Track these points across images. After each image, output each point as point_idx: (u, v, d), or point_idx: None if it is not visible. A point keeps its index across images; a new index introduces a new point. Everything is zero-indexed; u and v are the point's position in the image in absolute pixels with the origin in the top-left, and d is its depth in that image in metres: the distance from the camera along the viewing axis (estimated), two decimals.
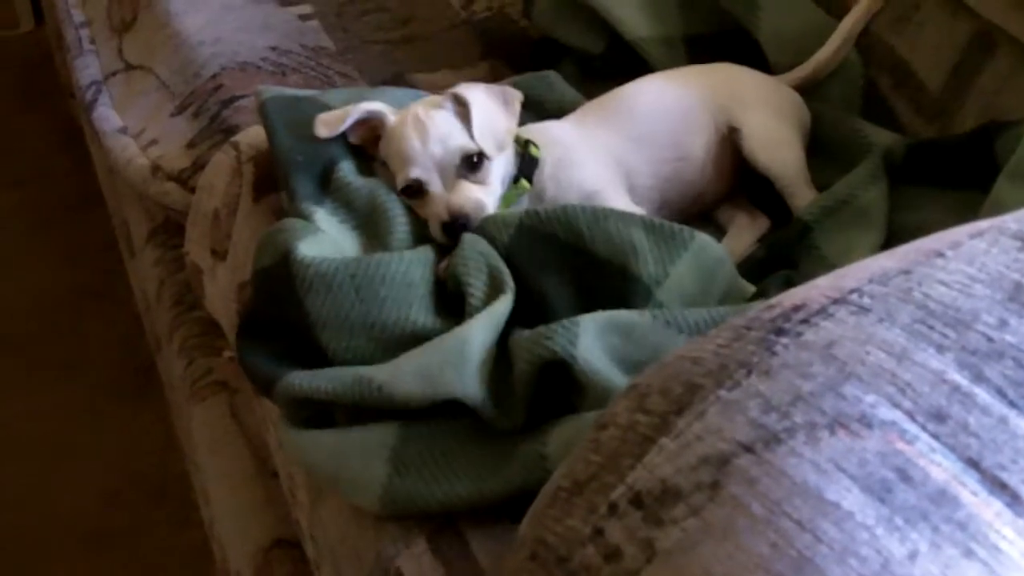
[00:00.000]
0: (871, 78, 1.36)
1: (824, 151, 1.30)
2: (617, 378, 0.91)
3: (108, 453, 1.86)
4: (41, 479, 1.85)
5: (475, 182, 1.11)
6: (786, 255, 1.16)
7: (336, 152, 1.16)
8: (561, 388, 0.94)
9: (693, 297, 1.02)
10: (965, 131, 1.22)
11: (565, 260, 1.03)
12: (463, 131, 1.12)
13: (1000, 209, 1.09)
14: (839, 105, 1.35)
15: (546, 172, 1.18)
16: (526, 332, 0.95)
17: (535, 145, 1.18)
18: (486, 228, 1.07)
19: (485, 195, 1.11)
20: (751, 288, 1.06)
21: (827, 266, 1.13)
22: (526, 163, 1.17)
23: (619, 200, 1.17)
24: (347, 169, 1.14)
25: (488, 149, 1.11)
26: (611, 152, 1.21)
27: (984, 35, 1.25)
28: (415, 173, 1.11)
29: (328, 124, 1.16)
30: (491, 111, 1.14)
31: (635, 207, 1.17)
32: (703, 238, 1.05)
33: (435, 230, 1.11)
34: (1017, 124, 1.14)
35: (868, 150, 1.25)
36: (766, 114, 1.26)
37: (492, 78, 1.58)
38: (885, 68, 1.35)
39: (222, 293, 1.30)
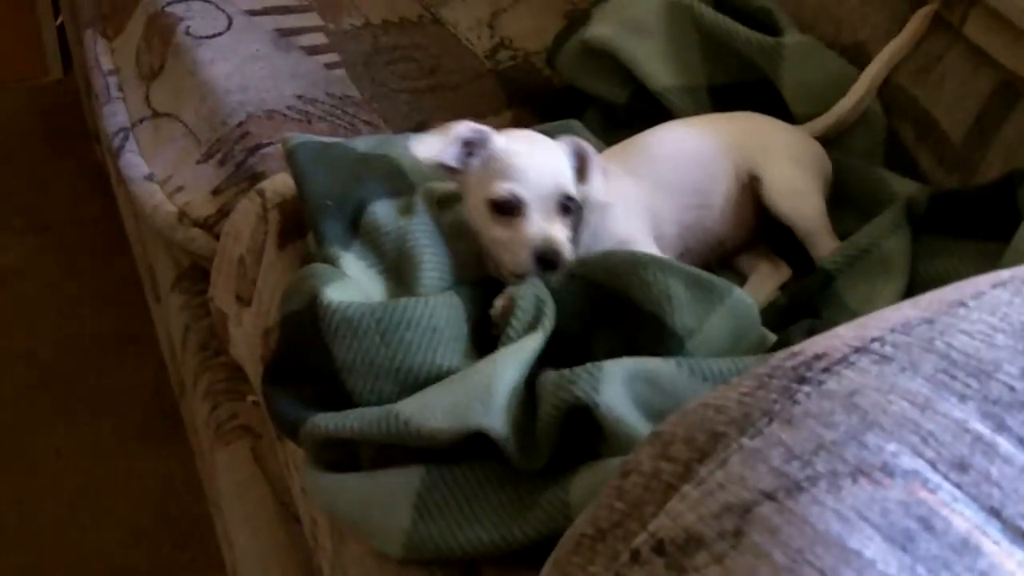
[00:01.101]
0: (894, 128, 1.37)
1: (847, 200, 1.31)
2: (641, 425, 0.91)
3: (134, 494, 1.87)
4: (67, 518, 1.85)
5: (564, 224, 1.10)
6: (808, 304, 1.16)
7: (367, 194, 1.17)
8: (586, 433, 0.94)
9: (722, 350, 1.02)
10: (988, 181, 1.23)
11: (605, 307, 1.03)
12: (572, 177, 1.11)
13: (1022, 258, 1.10)
14: (862, 155, 1.36)
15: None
16: (552, 374, 0.95)
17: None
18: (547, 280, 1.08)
19: (569, 240, 1.09)
20: (772, 337, 1.06)
21: (849, 315, 1.13)
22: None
23: (649, 248, 1.18)
24: (379, 211, 1.14)
25: (594, 206, 1.12)
26: (636, 199, 1.22)
27: (1007, 85, 1.26)
28: (520, 191, 1.08)
29: (430, 145, 1.12)
30: (601, 170, 1.15)
31: (661, 255, 1.18)
32: (739, 293, 1.05)
33: (518, 260, 1.08)
34: None
35: (891, 199, 1.25)
36: (787, 163, 1.26)
37: (516, 126, 1.59)
38: (908, 118, 1.36)
39: (247, 339, 1.31)
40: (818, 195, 1.26)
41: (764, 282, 1.25)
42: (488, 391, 0.94)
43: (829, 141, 1.36)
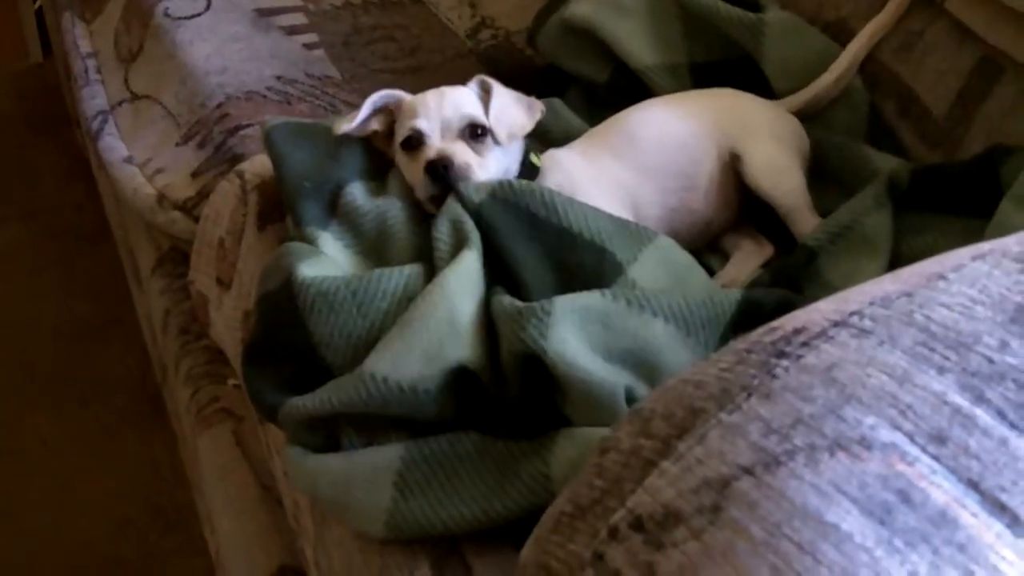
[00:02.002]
0: (876, 104, 1.36)
1: (829, 177, 1.30)
2: (594, 368, 0.91)
3: (119, 481, 1.86)
4: (53, 506, 1.85)
5: (474, 151, 1.14)
6: (790, 281, 1.16)
7: (345, 175, 1.17)
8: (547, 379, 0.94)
9: (662, 282, 1.05)
10: (970, 157, 1.22)
11: (537, 230, 1.06)
12: (478, 107, 1.17)
13: (1004, 233, 1.09)
14: (844, 131, 1.35)
15: None
16: (506, 307, 0.96)
17: (536, 155, 1.21)
18: (461, 192, 1.10)
19: (477, 163, 1.13)
20: (734, 293, 1.06)
21: (831, 292, 1.12)
22: (526, 170, 1.20)
23: None
24: (356, 192, 1.15)
25: (499, 132, 1.15)
26: (618, 182, 1.21)
27: (989, 61, 1.25)
28: (419, 124, 1.15)
29: (346, 120, 1.20)
30: (511, 104, 1.20)
31: None
32: (663, 238, 1.10)
33: (417, 177, 1.13)
34: (1022, 149, 1.14)
35: (873, 176, 1.24)
36: (768, 141, 1.26)
37: None
38: (890, 94, 1.35)
39: (227, 322, 1.30)
40: (798, 172, 1.25)
41: (747, 260, 1.25)
42: (454, 327, 0.95)
43: (811, 117, 1.36)
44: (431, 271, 1.04)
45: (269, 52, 1.66)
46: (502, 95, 1.19)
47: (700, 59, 1.44)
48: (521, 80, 1.63)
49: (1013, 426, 0.58)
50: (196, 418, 1.38)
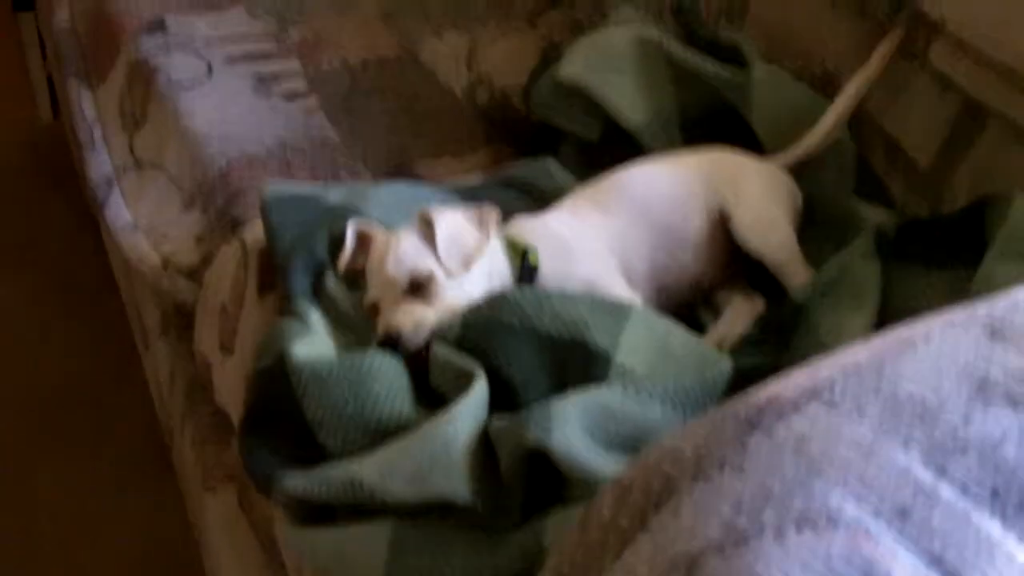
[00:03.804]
0: (864, 156, 1.38)
1: (820, 230, 1.32)
2: (599, 459, 0.92)
3: (127, 535, 1.87)
4: (63, 559, 1.86)
5: (423, 301, 1.13)
6: (779, 336, 1.17)
7: (328, 257, 1.20)
8: (553, 474, 0.95)
9: (651, 358, 1.05)
10: (957, 207, 1.24)
11: (518, 341, 1.05)
12: (422, 252, 1.15)
13: (989, 285, 1.11)
14: (834, 183, 1.37)
15: (545, 270, 1.19)
16: (503, 422, 0.97)
17: (533, 251, 1.20)
18: (440, 332, 1.10)
19: (431, 313, 1.12)
20: (724, 355, 1.08)
21: (820, 345, 1.15)
22: (526, 271, 1.19)
23: (616, 287, 1.19)
24: (331, 281, 1.18)
25: (452, 265, 1.14)
26: (607, 240, 1.23)
27: (972, 111, 1.27)
28: (371, 293, 1.15)
29: (342, 257, 1.20)
30: (460, 229, 1.17)
31: (632, 293, 1.19)
32: (639, 308, 1.11)
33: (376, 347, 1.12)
34: (1005, 200, 1.15)
35: (862, 228, 1.26)
36: (757, 198, 1.27)
37: (494, 163, 1.61)
38: (877, 145, 1.37)
39: (230, 386, 1.32)
40: (788, 227, 1.27)
41: (738, 316, 1.26)
42: (447, 454, 0.95)
43: (801, 170, 1.37)
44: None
45: (269, 117, 1.69)
46: (446, 225, 1.16)
47: (690, 115, 1.47)
48: (517, 136, 1.66)
49: (975, 500, 0.59)
50: (202, 481, 1.40)
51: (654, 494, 0.67)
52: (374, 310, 1.15)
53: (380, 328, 1.12)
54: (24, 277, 2.47)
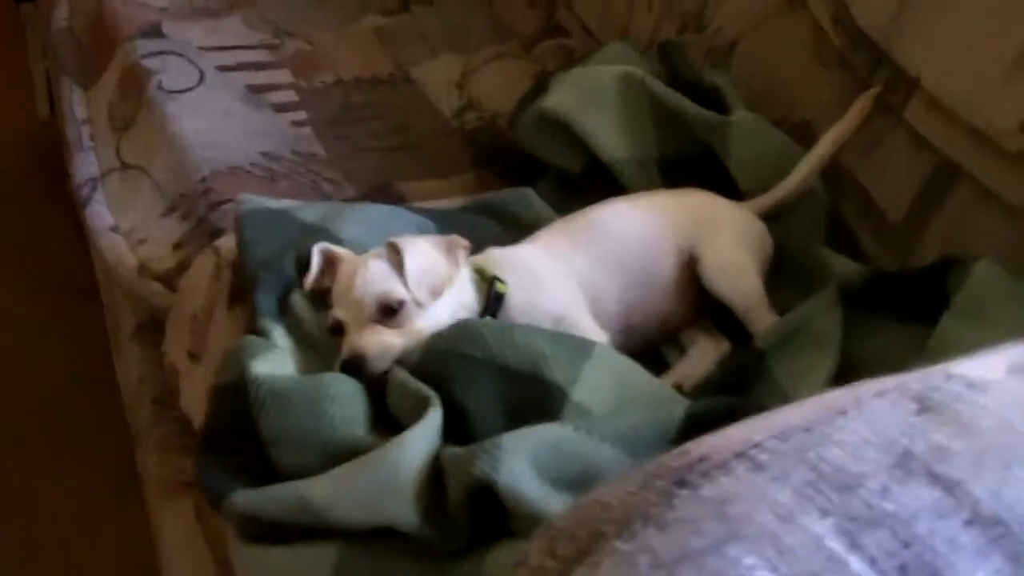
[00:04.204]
0: (836, 206, 1.40)
1: (788, 277, 1.33)
2: (545, 498, 0.93)
3: (126, 531, 1.85)
4: (63, 554, 1.87)
5: (389, 327, 1.13)
6: (739, 380, 1.18)
7: (295, 277, 1.20)
8: (496, 505, 0.96)
9: (609, 398, 1.06)
10: (922, 264, 1.25)
11: (477, 372, 1.06)
12: (391, 279, 1.15)
13: (944, 343, 1.13)
14: (805, 232, 1.38)
15: (514, 301, 1.20)
16: (456, 451, 0.98)
17: (502, 282, 1.20)
18: (401, 357, 1.11)
19: (398, 339, 1.13)
20: (681, 399, 1.09)
21: (779, 391, 1.17)
22: (492, 300, 1.19)
23: (584, 323, 1.20)
24: (297, 300, 1.19)
25: (420, 295, 1.14)
26: (577, 276, 1.24)
27: (944, 169, 1.28)
28: (338, 314, 1.15)
29: (309, 276, 1.21)
30: (429, 259, 1.18)
31: (600, 330, 1.20)
32: (603, 347, 1.11)
33: (336, 369, 1.12)
34: (967, 263, 1.17)
35: (829, 278, 1.27)
36: (726, 242, 1.29)
37: (478, 187, 1.62)
38: (850, 197, 1.38)
39: (196, 395, 1.33)
40: (755, 273, 1.28)
41: (702, 357, 1.27)
42: (396, 479, 0.96)
43: (773, 217, 1.39)
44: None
45: (257, 128, 1.71)
46: (415, 253, 1.17)
47: (669, 154, 1.48)
48: (503, 161, 1.68)
49: (882, 573, 0.60)
50: (161, 489, 1.40)
51: (580, 544, 0.67)
52: (337, 330, 1.15)
53: (345, 351, 1.12)
54: (22, 277, 2.47)
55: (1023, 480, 0.64)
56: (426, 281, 1.16)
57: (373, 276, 1.15)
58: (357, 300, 1.14)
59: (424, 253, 1.17)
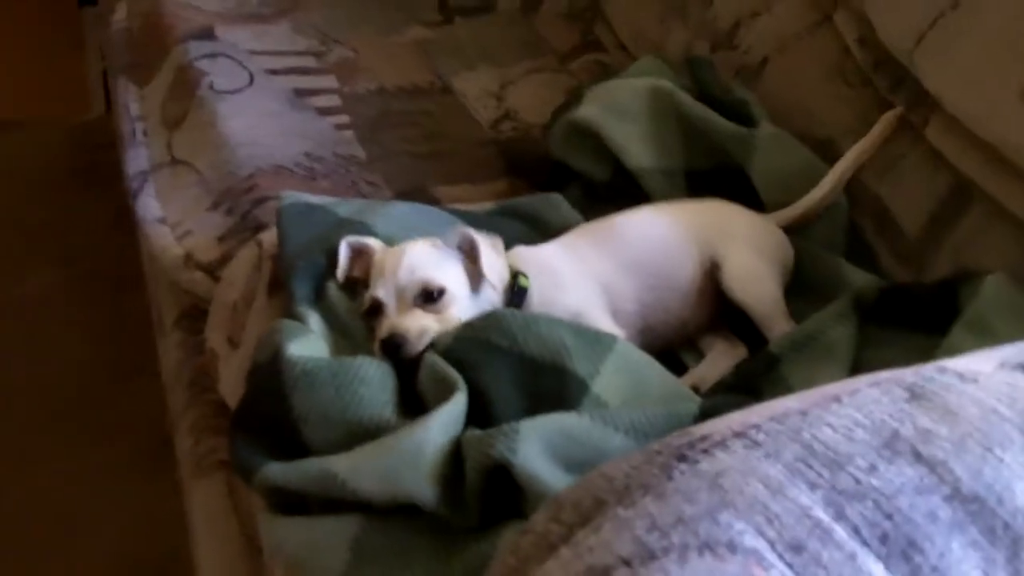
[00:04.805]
0: (856, 221, 1.44)
1: (807, 288, 1.38)
2: (558, 480, 0.98)
3: (124, 521, 1.95)
4: (60, 541, 1.93)
5: (430, 312, 1.19)
6: (752, 384, 1.22)
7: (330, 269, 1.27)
8: (513, 490, 1.01)
9: (626, 392, 1.10)
10: (936, 278, 1.29)
11: (502, 361, 1.10)
12: (434, 266, 1.21)
13: (951, 353, 1.15)
14: (825, 245, 1.43)
15: (535, 297, 1.26)
16: (476, 433, 1.02)
17: (524, 275, 1.26)
18: (433, 343, 1.16)
19: (435, 324, 1.18)
20: (695, 397, 1.13)
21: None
22: (516, 294, 1.25)
23: (602, 321, 1.25)
24: (332, 289, 1.25)
25: (495, 283, 1.21)
26: (597, 276, 1.29)
27: (961, 188, 1.32)
28: (377, 293, 1.20)
29: (339, 270, 1.26)
30: (493, 253, 1.24)
31: (617, 328, 1.25)
32: (624, 343, 1.15)
33: (376, 348, 1.17)
34: (979, 277, 1.21)
35: (846, 289, 1.31)
36: (747, 251, 1.33)
37: (510, 194, 1.68)
38: (869, 213, 1.43)
39: (233, 379, 1.38)
40: (774, 281, 1.33)
41: (719, 360, 1.32)
42: (417, 457, 1.01)
43: (796, 230, 1.43)
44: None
45: (301, 130, 1.77)
46: (486, 248, 1.22)
47: (696, 166, 1.53)
48: (535, 171, 1.73)
49: (864, 543, 0.64)
50: (195, 467, 1.46)
51: (583, 511, 0.72)
52: (375, 310, 1.20)
53: (384, 330, 1.17)
54: (56, 268, 2.55)
55: (1003, 461, 0.68)
56: (495, 273, 1.22)
57: (419, 262, 1.21)
58: (400, 283, 1.19)
59: (490, 248, 1.24)
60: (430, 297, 1.19)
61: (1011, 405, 0.71)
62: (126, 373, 2.23)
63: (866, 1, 1.45)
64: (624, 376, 1.12)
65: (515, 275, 1.26)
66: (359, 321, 1.22)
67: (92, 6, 2.83)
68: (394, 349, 1.15)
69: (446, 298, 1.19)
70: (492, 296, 1.24)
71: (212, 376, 1.50)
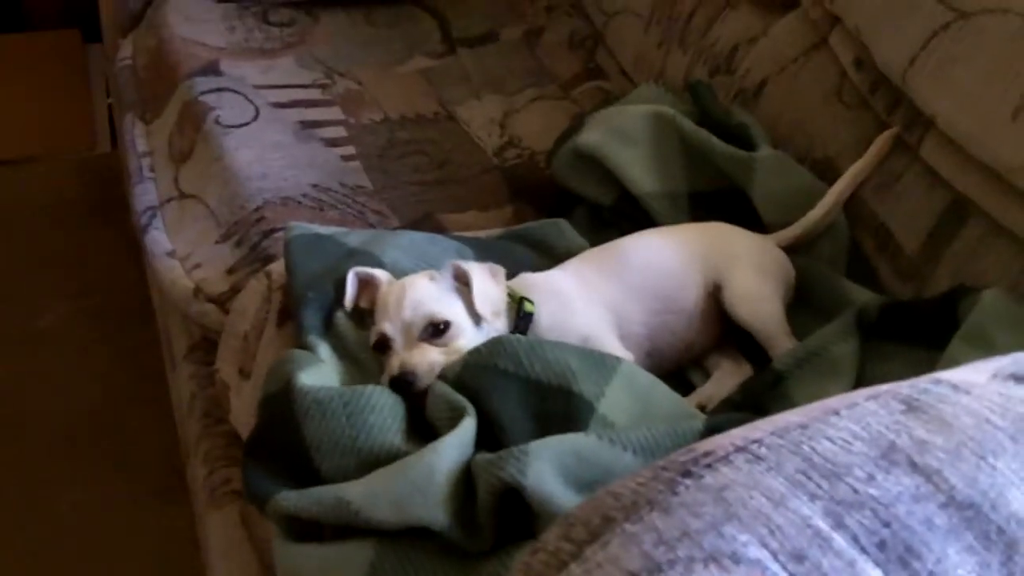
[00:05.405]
0: (856, 239, 1.46)
1: (810, 306, 1.40)
2: (568, 501, 0.99)
3: (138, 551, 1.97)
4: (76, 572, 1.96)
5: (437, 346, 1.21)
6: (757, 401, 1.24)
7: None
8: (525, 511, 1.03)
9: (632, 412, 1.12)
10: (936, 294, 1.31)
11: (510, 385, 1.12)
12: (438, 300, 1.23)
13: (952, 366, 1.17)
14: (827, 263, 1.45)
15: (544, 321, 1.28)
16: (486, 456, 1.04)
17: (530, 301, 1.28)
18: (442, 372, 1.18)
19: (441, 357, 1.20)
20: (700, 415, 1.15)
21: None
22: (521, 319, 1.27)
23: (610, 344, 1.27)
24: (341, 319, 1.27)
25: (485, 314, 1.23)
26: (604, 300, 1.32)
27: (958, 205, 1.34)
28: (384, 329, 1.22)
29: (345, 299, 1.28)
30: (488, 282, 1.26)
31: (626, 351, 1.27)
32: (629, 364, 1.17)
33: (384, 383, 1.19)
34: (976, 293, 1.22)
35: (848, 306, 1.33)
36: (749, 271, 1.35)
37: (516, 220, 1.70)
38: (868, 230, 1.45)
39: (245, 410, 1.41)
40: (777, 301, 1.35)
41: (725, 379, 1.33)
42: (429, 482, 1.02)
43: (798, 249, 1.45)
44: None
45: (308, 161, 1.80)
46: (479, 277, 1.24)
47: (698, 188, 1.55)
48: (540, 197, 1.75)
49: (863, 550, 0.66)
50: (209, 497, 1.48)
51: (592, 528, 0.74)
52: (382, 345, 1.22)
53: (395, 367, 1.19)
54: (67, 302, 2.58)
55: (996, 468, 0.70)
56: (489, 303, 1.24)
57: (422, 297, 1.23)
58: (406, 319, 1.21)
59: (485, 277, 1.25)
60: (437, 331, 1.21)
61: (1003, 415, 0.73)
62: (139, 404, 2.26)
63: (861, 24, 1.48)
64: (629, 396, 1.14)
65: (520, 300, 1.28)
66: (368, 350, 1.24)
67: (98, 43, 2.88)
68: (405, 386, 1.17)
69: (452, 331, 1.21)
70: (496, 323, 1.26)
71: (224, 407, 1.52)
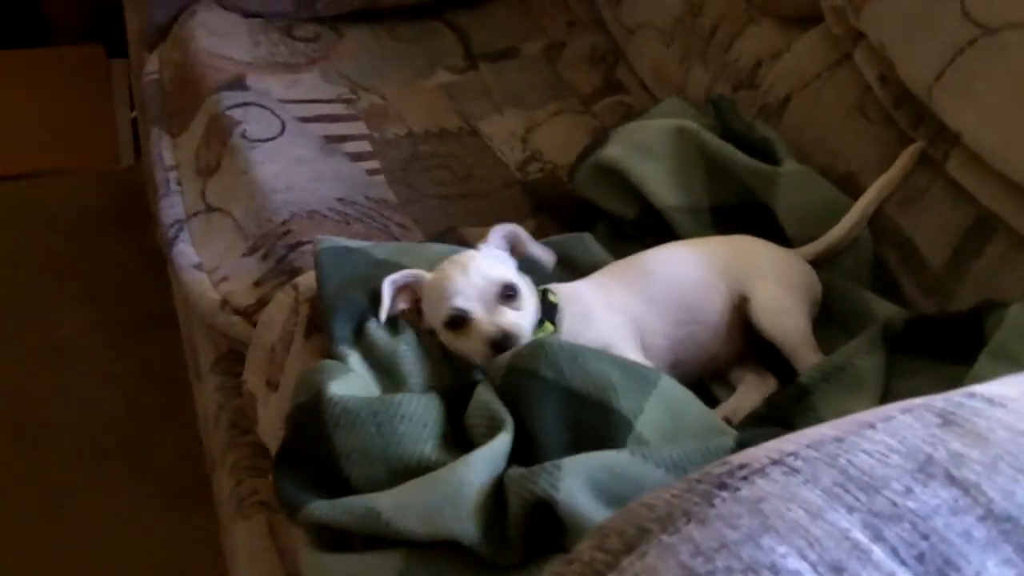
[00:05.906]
0: (881, 254, 1.46)
1: (835, 320, 1.40)
2: (599, 516, 0.99)
3: (160, 561, 1.98)
4: None
5: (514, 308, 1.24)
6: (783, 415, 1.25)
7: (371, 306, 1.29)
8: (555, 526, 1.03)
9: (666, 429, 1.12)
10: (961, 309, 1.31)
11: (549, 394, 1.13)
12: (502, 267, 1.27)
13: (979, 382, 1.18)
14: (851, 277, 1.45)
15: (565, 327, 1.29)
16: (519, 471, 1.05)
17: (552, 293, 1.31)
18: (489, 372, 1.19)
19: (523, 320, 1.24)
20: (731, 430, 1.16)
21: None
22: (547, 309, 1.29)
23: (631, 354, 1.28)
24: (373, 328, 1.28)
25: (548, 264, 1.31)
26: (626, 311, 1.33)
27: (983, 220, 1.35)
28: (459, 303, 1.24)
29: (383, 307, 1.28)
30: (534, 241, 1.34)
31: (647, 363, 1.28)
32: (667, 379, 1.17)
33: (479, 351, 1.22)
34: (1003, 307, 1.23)
35: (873, 321, 1.34)
36: (774, 284, 1.36)
37: (538, 234, 1.69)
38: (893, 245, 1.45)
39: (272, 421, 1.42)
40: (803, 314, 1.35)
41: (750, 393, 1.34)
42: (459, 495, 1.03)
43: (822, 263, 1.46)
44: (438, 401, 1.16)
45: (333, 175, 1.81)
46: (528, 239, 1.32)
47: (721, 202, 1.56)
48: (563, 211, 1.76)
49: (902, 562, 0.67)
50: (236, 508, 1.49)
51: (627, 539, 0.74)
52: (457, 322, 1.24)
53: (488, 330, 1.22)
54: (88, 312, 2.60)
55: None
56: (545, 255, 1.32)
57: (489, 264, 1.27)
58: (480, 286, 1.24)
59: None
60: (509, 293, 1.24)
61: None
62: (159, 414, 2.27)
63: (886, 39, 1.49)
64: (665, 413, 1.14)
65: (544, 291, 1.30)
66: (399, 359, 1.25)
67: (121, 58, 2.90)
68: (505, 348, 1.20)
69: (521, 294, 1.25)
70: (534, 298, 1.29)
71: (251, 418, 1.53)
